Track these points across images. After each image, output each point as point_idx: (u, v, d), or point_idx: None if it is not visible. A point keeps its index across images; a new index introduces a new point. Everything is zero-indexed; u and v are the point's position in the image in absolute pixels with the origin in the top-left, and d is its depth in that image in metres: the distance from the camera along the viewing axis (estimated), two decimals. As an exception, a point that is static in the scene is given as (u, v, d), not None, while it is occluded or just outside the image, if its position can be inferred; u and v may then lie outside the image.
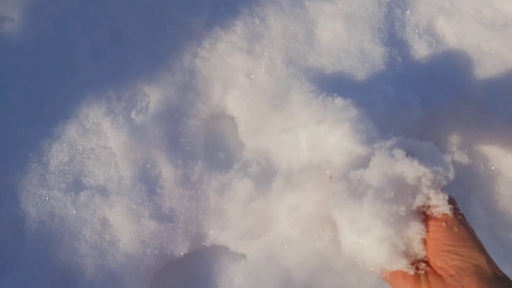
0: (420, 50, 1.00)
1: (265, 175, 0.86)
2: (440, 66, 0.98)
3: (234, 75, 0.98)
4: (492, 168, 0.96)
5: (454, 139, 0.98)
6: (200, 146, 0.96)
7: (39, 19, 1.05)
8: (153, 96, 0.97)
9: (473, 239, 0.55)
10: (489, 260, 0.54)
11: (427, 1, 1.05)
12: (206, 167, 0.94)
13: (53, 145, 0.93)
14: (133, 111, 0.95)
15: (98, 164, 0.92)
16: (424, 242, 0.58)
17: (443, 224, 0.56)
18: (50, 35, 1.04)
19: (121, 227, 0.87)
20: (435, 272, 0.56)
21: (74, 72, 1.00)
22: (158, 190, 0.90)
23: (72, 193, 0.90)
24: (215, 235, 0.89)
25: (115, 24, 1.04)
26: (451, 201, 0.59)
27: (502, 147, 0.95)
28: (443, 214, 0.57)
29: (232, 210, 0.87)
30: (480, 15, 1.03)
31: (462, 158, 0.96)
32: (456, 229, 0.55)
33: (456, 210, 0.58)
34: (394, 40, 1.01)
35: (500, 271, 0.54)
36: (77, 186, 0.91)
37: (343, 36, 1.00)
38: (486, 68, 0.98)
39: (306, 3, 1.04)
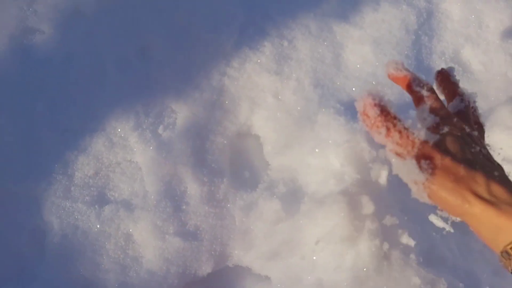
0: (447, 77, 1.02)
1: (293, 196, 0.87)
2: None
3: (262, 95, 1.00)
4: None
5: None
6: (226, 164, 0.97)
7: (69, 33, 1.08)
8: (180, 113, 0.99)
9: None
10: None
11: (454, 30, 1.08)
12: (232, 185, 0.94)
13: (79, 158, 0.95)
14: (161, 127, 0.97)
15: (124, 178, 0.93)
16: None
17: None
18: (79, 48, 1.06)
19: (145, 243, 0.87)
20: None
21: (102, 86, 1.02)
22: (184, 207, 0.91)
23: (96, 206, 0.91)
24: (240, 255, 0.89)
25: (144, 39, 1.06)
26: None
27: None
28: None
29: (258, 230, 0.88)
30: (507, 45, 1.06)
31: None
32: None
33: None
34: (421, 66, 1.03)
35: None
36: (101, 199, 0.92)
37: (371, 61, 1.02)
38: (513, 97, 1.00)
39: (334, 28, 1.06)
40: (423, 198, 0.57)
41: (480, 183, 0.54)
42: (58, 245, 0.89)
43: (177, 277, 0.86)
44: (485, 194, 0.53)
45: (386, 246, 0.76)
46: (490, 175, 0.55)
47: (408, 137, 0.57)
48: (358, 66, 1.02)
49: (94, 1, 1.10)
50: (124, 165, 0.95)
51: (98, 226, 0.89)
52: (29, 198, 0.93)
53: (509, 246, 0.50)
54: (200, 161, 0.96)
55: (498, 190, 0.54)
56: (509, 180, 0.56)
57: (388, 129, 0.57)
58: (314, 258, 0.79)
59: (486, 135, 0.65)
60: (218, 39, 1.05)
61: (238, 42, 1.05)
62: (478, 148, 0.58)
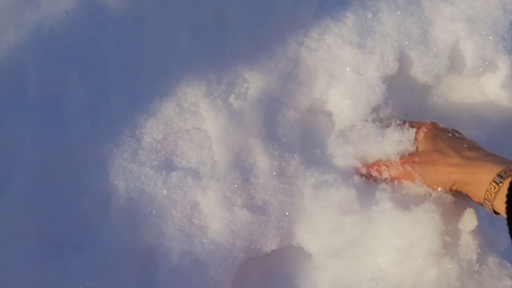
0: (547, 63, 0.92)
1: (371, 191, 0.80)
2: None
3: (341, 68, 0.94)
4: None
5: None
6: (297, 139, 0.92)
7: (141, -6, 1.05)
8: (253, 83, 0.94)
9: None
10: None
11: (558, 11, 0.97)
12: (303, 162, 0.89)
13: (148, 121, 0.92)
14: (232, 96, 0.93)
15: (192, 146, 0.90)
16: None
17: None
18: (152, 10, 1.02)
19: (212, 213, 0.84)
20: None
21: (175, 49, 0.98)
22: (253, 180, 0.87)
23: (163, 172, 0.88)
24: (303, 238, 0.84)
25: (220, 3, 1.01)
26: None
27: None
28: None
29: (325, 218, 0.81)
30: None
31: None
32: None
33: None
34: (518, 49, 0.93)
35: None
36: (168, 165, 0.89)
37: (463, 40, 0.93)
38: None
39: (423, 2, 0.98)
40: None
41: (452, 155, 0.70)
42: (123, 208, 0.87)
43: (242, 250, 0.82)
44: (459, 160, 0.69)
45: (477, 264, 0.68)
46: (458, 147, 0.71)
47: (391, 164, 0.79)
48: (448, 44, 0.93)
49: (169, -39, 1.06)
50: (193, 132, 0.91)
51: (164, 192, 0.86)
52: (96, 159, 0.91)
53: (486, 194, 0.64)
54: (271, 134, 0.91)
55: (467, 154, 0.70)
56: (478, 147, 0.72)
57: (378, 171, 0.81)
58: (386, 271, 0.72)
59: None
60: (298, 6, 0.98)
61: (319, 11, 0.98)
62: (450, 134, 0.76)
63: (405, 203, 0.74)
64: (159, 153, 0.90)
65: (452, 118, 0.92)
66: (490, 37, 0.93)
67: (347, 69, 0.93)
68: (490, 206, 0.64)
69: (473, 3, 0.97)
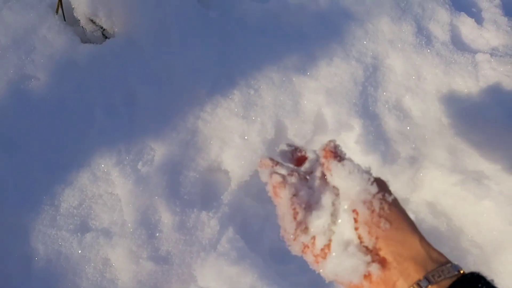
0: (390, 122, 1.13)
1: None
2: (406, 137, 1.10)
3: (230, 135, 1.09)
4: (455, 226, 1.05)
5: (420, 200, 1.07)
6: (197, 195, 1.04)
7: (62, 80, 1.17)
8: (158, 151, 1.07)
9: (404, 221, 0.50)
10: (422, 241, 0.49)
11: (396, 81, 1.19)
12: (202, 215, 1.01)
13: (66, 190, 1.01)
14: (140, 163, 1.04)
15: (105, 209, 0.99)
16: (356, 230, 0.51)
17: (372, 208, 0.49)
18: (71, 94, 1.14)
19: (121, 267, 0.92)
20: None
21: (90, 127, 1.09)
22: (157, 234, 0.97)
23: (78, 234, 0.96)
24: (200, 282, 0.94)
25: (129, 87, 1.15)
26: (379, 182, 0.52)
27: (463, 208, 1.05)
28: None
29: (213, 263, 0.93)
30: (441, 95, 1.17)
31: (427, 217, 1.05)
32: (387, 213, 0.49)
33: (384, 193, 0.50)
34: (367, 112, 1.13)
35: (434, 250, 0.49)
36: (83, 228, 0.98)
37: (324, 108, 1.12)
38: (446, 138, 1.10)
39: (294, 79, 1.17)
40: None
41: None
42: (43, 269, 0.93)
43: (148, 297, 0.91)
44: None
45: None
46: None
47: None
48: (313, 111, 1.11)
49: (86, 53, 1.19)
50: (106, 197, 1.01)
51: (79, 251, 0.94)
52: (19, 226, 0.98)
53: None
54: (174, 193, 1.02)
55: None
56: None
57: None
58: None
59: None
60: (195, 87, 1.14)
61: (212, 90, 1.14)
62: None
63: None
64: (75, 218, 0.98)
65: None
66: (344, 105, 1.13)
67: (235, 136, 1.08)
68: None
69: (331, 78, 1.17)
